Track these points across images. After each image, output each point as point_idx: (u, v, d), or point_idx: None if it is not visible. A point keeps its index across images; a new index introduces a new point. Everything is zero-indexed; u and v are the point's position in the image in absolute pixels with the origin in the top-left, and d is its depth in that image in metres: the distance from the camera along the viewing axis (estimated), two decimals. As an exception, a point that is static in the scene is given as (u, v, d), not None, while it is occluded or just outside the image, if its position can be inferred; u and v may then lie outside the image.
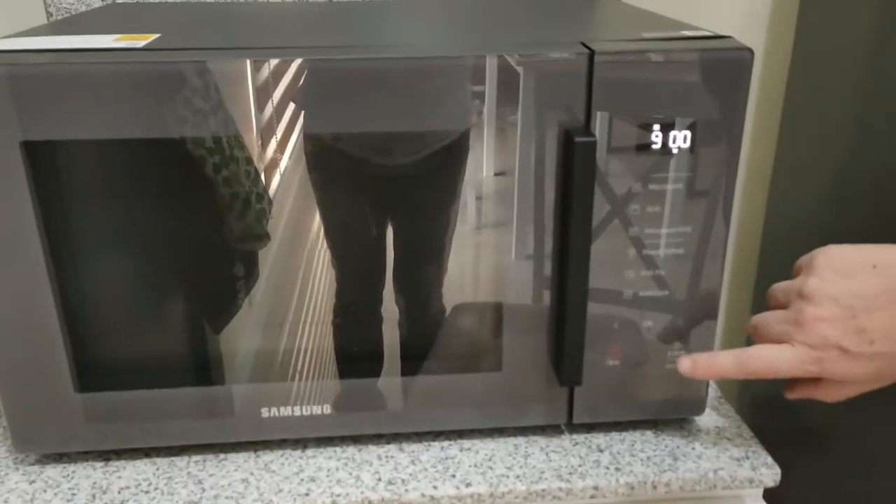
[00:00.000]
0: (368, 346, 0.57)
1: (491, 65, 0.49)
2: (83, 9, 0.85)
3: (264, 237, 0.54)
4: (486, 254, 0.55)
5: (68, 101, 0.47)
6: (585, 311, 0.53)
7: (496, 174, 0.53)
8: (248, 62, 0.48)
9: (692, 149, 0.51)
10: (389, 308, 0.57)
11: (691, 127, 0.51)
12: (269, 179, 0.52)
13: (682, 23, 0.59)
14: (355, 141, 0.51)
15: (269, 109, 0.50)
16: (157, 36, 0.53)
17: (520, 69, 0.49)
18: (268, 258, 0.55)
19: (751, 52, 0.50)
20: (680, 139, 0.51)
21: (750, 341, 0.52)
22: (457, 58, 0.49)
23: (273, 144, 0.51)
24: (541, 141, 0.51)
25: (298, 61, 0.48)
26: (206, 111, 0.49)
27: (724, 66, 0.50)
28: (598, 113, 0.50)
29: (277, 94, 0.50)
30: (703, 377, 0.53)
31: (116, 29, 0.56)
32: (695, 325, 0.56)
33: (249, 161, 0.52)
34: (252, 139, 0.51)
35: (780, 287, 0.51)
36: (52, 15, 0.88)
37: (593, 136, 0.49)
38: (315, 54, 0.49)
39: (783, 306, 0.50)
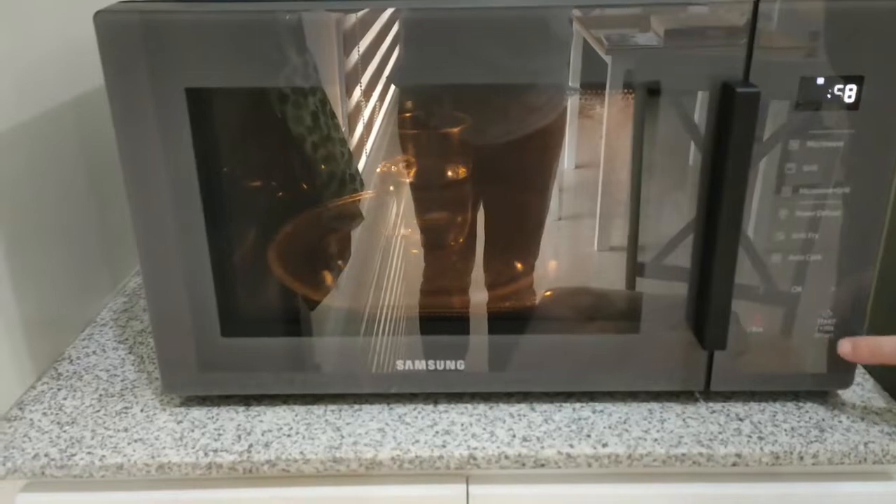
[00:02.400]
0: (502, 305, 0.57)
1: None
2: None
3: (357, 216, 0.55)
4: (619, 213, 0.54)
5: (226, 50, 0.48)
6: (734, 270, 0.51)
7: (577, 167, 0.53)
8: (333, 17, 0.48)
9: (856, 105, 0.49)
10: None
11: (857, 81, 0.48)
12: (358, 159, 0.53)
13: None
14: (448, 118, 0.52)
15: (357, 91, 0.51)
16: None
17: (658, 27, 0.48)
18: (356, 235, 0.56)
19: (928, 1, 0.47)
20: (844, 94, 0.49)
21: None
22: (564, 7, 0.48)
23: (361, 125, 0.52)
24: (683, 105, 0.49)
25: (394, 23, 0.48)
26: (306, 90, 0.50)
27: (897, 17, 0.47)
28: (757, 66, 0.48)
29: (366, 77, 0.51)
30: (863, 361, 0.51)
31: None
32: (847, 294, 0.53)
33: (343, 142, 0.53)
34: (342, 119, 0.52)
35: None
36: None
37: (755, 87, 0.47)
38: (413, 14, 0.48)
39: None
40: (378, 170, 0.55)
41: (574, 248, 0.56)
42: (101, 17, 0.47)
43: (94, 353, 0.65)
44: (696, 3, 0.47)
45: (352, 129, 0.53)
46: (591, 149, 0.53)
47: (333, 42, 0.49)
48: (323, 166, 0.54)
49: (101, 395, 0.60)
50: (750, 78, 0.48)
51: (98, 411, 0.58)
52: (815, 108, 0.49)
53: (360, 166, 0.54)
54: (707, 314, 0.52)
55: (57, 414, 0.57)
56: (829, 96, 0.49)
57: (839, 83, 0.48)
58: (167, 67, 0.48)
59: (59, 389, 0.60)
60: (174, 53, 0.48)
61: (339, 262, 0.58)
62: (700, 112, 0.50)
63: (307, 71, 0.49)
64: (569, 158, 0.53)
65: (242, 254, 0.56)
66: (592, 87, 0.50)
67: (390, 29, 0.49)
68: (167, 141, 0.50)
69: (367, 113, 0.52)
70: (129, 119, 0.49)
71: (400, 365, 0.56)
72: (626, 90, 0.50)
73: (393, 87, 0.51)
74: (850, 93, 0.49)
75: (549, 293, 0.57)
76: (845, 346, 0.52)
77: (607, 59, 0.49)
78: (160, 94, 0.49)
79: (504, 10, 0.47)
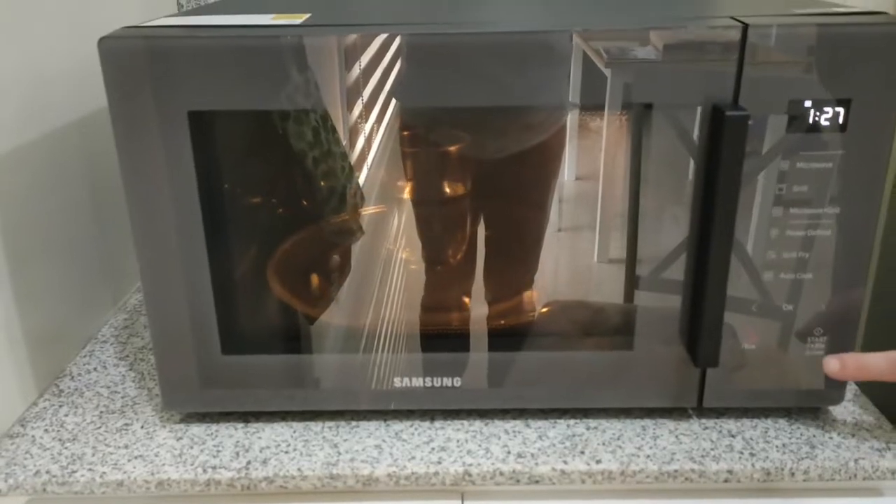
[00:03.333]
0: (500, 321, 0.58)
1: (577, 45, 0.49)
2: (213, -2, 0.89)
3: (358, 231, 0.56)
4: (616, 226, 0.55)
5: (229, 74, 0.49)
6: (725, 288, 0.52)
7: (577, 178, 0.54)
8: (335, 39, 0.49)
9: (844, 127, 0.50)
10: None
11: (845, 104, 0.49)
12: (358, 174, 0.54)
13: (824, 0, 0.58)
14: (449, 135, 0.53)
15: (358, 106, 0.52)
16: (309, 15, 0.55)
17: (658, 46, 0.49)
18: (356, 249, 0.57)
19: (912, 27, 0.48)
20: (833, 116, 0.50)
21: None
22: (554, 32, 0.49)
23: (362, 140, 0.53)
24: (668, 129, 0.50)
25: (396, 44, 0.49)
26: (307, 107, 0.51)
27: (883, 43, 0.48)
28: (746, 88, 0.49)
29: (367, 92, 0.52)
30: (851, 378, 0.52)
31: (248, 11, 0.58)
32: (838, 312, 0.54)
33: (344, 157, 0.53)
34: (342, 134, 0.53)
35: None
36: (182, 6, 0.93)
37: (745, 110, 0.48)
38: (416, 38, 0.49)
39: None
40: (378, 185, 0.56)
41: (574, 260, 0.56)
42: (105, 44, 0.48)
43: (94, 369, 0.66)
44: (681, 26, 0.48)
45: (352, 144, 0.54)
46: (591, 161, 0.54)
47: (335, 59, 0.50)
48: (323, 182, 0.55)
49: (101, 412, 0.60)
50: (740, 99, 0.49)
51: (99, 428, 0.58)
52: (804, 130, 0.50)
53: (361, 181, 0.55)
54: (699, 331, 0.53)
55: (58, 430, 0.58)
56: (817, 118, 0.50)
57: (827, 105, 0.49)
58: (170, 92, 0.49)
59: (60, 406, 0.61)
60: (177, 78, 0.49)
61: (339, 278, 0.59)
62: (696, 128, 0.51)
63: (308, 89, 0.50)
64: (569, 170, 0.54)
65: (243, 271, 0.57)
66: (592, 100, 0.51)
67: (391, 46, 0.50)
68: (169, 161, 0.51)
69: (367, 128, 0.53)
70: (131, 141, 0.50)
71: (398, 382, 0.57)
72: (624, 103, 0.51)
73: (394, 101, 0.52)
74: (838, 115, 0.50)
75: (546, 308, 0.58)
76: (832, 364, 0.52)
77: (607, 71, 0.50)
78: (163, 117, 0.50)
79: (505, 34, 0.48)
